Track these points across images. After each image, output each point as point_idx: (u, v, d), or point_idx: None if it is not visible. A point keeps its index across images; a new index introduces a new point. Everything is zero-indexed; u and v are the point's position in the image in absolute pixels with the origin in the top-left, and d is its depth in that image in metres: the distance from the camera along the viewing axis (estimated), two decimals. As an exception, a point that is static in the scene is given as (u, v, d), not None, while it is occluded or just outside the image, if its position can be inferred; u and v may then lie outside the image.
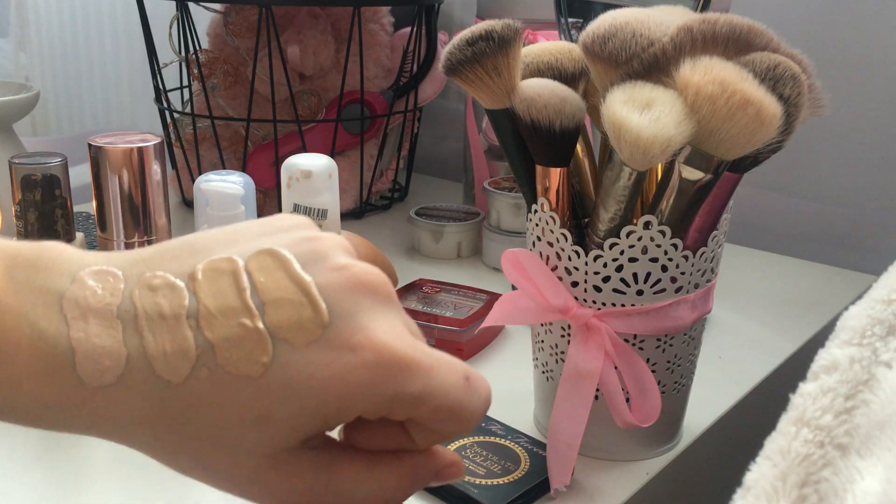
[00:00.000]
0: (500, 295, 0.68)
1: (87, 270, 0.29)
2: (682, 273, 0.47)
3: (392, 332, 0.30)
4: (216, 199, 0.55)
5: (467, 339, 0.63)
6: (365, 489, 0.31)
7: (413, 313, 0.65)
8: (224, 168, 0.88)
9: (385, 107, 0.93)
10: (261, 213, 0.74)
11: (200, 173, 0.92)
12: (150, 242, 0.54)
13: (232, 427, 0.29)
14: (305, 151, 0.89)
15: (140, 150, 0.54)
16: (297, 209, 0.54)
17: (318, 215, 0.55)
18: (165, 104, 0.93)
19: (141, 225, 0.55)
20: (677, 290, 0.48)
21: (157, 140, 0.55)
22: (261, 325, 0.29)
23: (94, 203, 0.55)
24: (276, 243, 0.31)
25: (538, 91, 0.46)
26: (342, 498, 0.31)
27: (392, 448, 0.32)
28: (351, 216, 0.94)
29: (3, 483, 0.48)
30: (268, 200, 0.93)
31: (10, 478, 0.49)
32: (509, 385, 0.60)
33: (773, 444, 0.26)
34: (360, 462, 0.32)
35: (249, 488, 0.31)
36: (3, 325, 0.28)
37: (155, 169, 0.55)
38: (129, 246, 0.56)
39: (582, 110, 0.46)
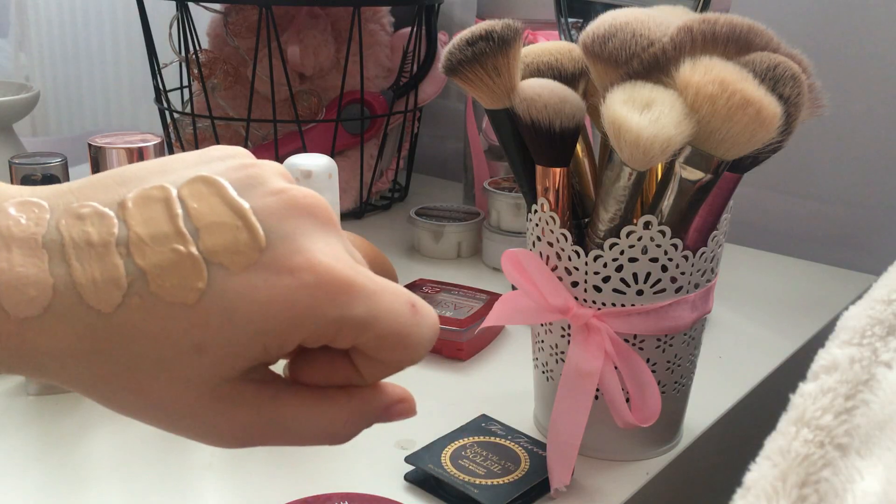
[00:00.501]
0: (500, 295, 0.68)
1: (10, 201, 0.29)
2: (682, 273, 0.47)
3: (332, 253, 0.29)
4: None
5: (467, 339, 0.63)
6: (311, 424, 0.31)
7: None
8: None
9: (385, 107, 0.93)
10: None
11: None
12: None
13: (168, 357, 0.28)
14: (305, 151, 0.89)
15: (140, 150, 0.54)
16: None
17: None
18: (165, 104, 0.93)
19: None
20: (677, 290, 0.48)
21: (157, 140, 0.55)
22: (194, 250, 0.28)
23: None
24: (213, 172, 0.30)
25: (538, 91, 0.46)
26: (287, 432, 0.31)
27: (338, 383, 0.31)
28: (351, 216, 0.94)
29: (2, 483, 0.48)
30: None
31: (10, 476, 0.49)
32: (509, 385, 0.60)
33: (773, 443, 0.26)
34: (305, 396, 0.31)
35: (189, 423, 0.30)
36: None
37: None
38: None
39: (582, 110, 0.46)
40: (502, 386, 0.60)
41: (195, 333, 0.28)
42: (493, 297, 0.68)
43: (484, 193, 0.83)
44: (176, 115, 0.93)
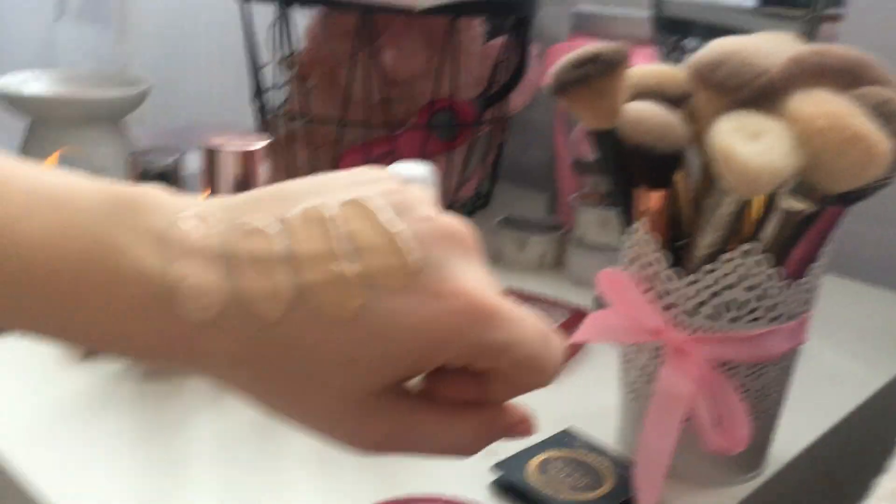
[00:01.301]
0: (583, 310, 0.69)
1: (184, 213, 0.31)
2: (779, 302, 0.47)
3: (478, 281, 0.32)
4: None
5: (551, 353, 0.64)
6: (443, 438, 0.33)
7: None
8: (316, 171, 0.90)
9: (475, 115, 0.95)
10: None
11: (295, 173, 0.94)
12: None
13: (322, 368, 0.31)
14: (397, 156, 0.91)
15: (252, 153, 0.56)
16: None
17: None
18: (263, 103, 0.96)
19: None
20: (773, 319, 0.48)
21: (266, 142, 0.57)
22: (352, 270, 0.30)
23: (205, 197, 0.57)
24: (364, 193, 0.32)
25: (643, 114, 0.47)
26: (420, 444, 0.33)
27: (469, 399, 0.34)
28: (435, 221, 0.96)
29: (107, 463, 0.51)
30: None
31: (116, 457, 0.51)
32: (592, 400, 0.60)
33: (887, 486, 0.26)
34: (439, 411, 0.33)
35: (336, 429, 0.33)
36: (107, 262, 0.30)
37: (263, 169, 0.57)
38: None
39: (685, 135, 0.47)
40: (585, 401, 0.61)
41: (349, 348, 0.31)
42: (576, 312, 0.69)
43: (570, 206, 0.83)
44: (272, 115, 0.96)
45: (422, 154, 0.92)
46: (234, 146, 0.56)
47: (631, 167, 0.49)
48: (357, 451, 0.33)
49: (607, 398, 0.58)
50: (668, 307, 0.48)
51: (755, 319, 0.47)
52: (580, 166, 0.89)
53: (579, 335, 0.52)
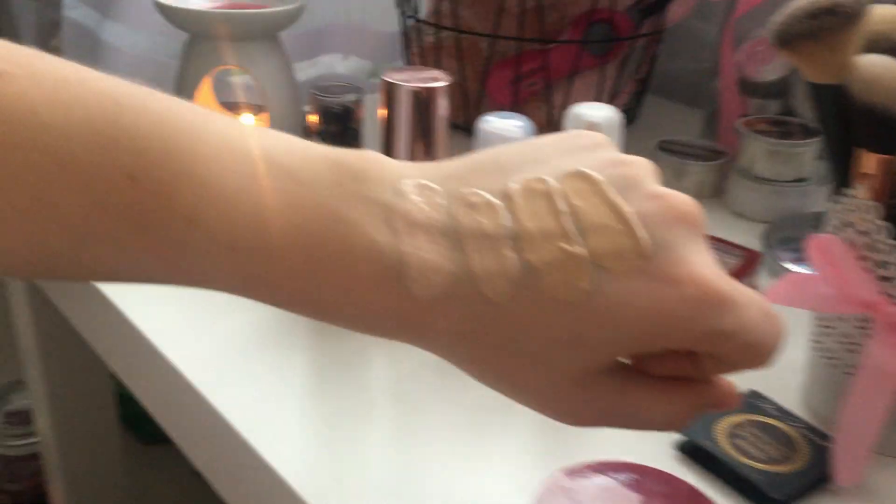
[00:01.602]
0: (756, 253, 0.66)
1: (407, 183, 0.31)
2: None
3: (710, 266, 0.30)
4: (497, 141, 0.55)
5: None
6: (654, 413, 0.33)
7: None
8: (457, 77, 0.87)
9: (631, 27, 0.90)
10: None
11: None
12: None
13: (548, 348, 0.30)
14: (548, 71, 0.87)
15: (433, 90, 0.54)
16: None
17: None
18: (410, 11, 0.93)
19: (425, 156, 0.56)
20: None
21: (448, 81, 0.55)
22: (582, 250, 0.29)
23: (383, 133, 0.56)
24: (585, 164, 0.31)
25: (880, 72, 0.43)
26: (632, 418, 0.33)
27: (679, 376, 0.33)
28: (582, 139, 0.93)
29: (286, 401, 0.52)
30: (502, 117, 0.92)
31: (293, 397, 0.53)
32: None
33: None
34: (650, 387, 0.33)
35: (551, 405, 0.32)
36: (338, 233, 0.29)
37: (443, 105, 0.55)
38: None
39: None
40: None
41: (574, 329, 0.30)
42: (749, 255, 0.66)
43: (736, 134, 0.79)
44: (416, 22, 0.93)
45: (573, 70, 0.88)
46: (415, 82, 0.54)
47: (856, 127, 0.45)
48: (569, 423, 0.33)
49: (790, 358, 0.56)
50: (884, 278, 0.45)
51: (984, 297, 0.44)
52: (747, 87, 0.84)
53: (777, 298, 0.50)
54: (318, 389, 0.53)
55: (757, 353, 0.32)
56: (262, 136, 0.31)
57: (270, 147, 0.31)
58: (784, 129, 0.77)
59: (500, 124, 0.55)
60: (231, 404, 0.51)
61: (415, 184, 0.31)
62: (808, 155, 0.75)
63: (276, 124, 0.75)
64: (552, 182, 0.31)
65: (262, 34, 0.74)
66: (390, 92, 0.54)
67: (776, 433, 0.49)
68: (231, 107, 0.76)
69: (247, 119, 0.76)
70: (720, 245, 0.68)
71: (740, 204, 0.78)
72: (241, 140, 0.30)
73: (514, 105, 0.89)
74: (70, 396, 0.98)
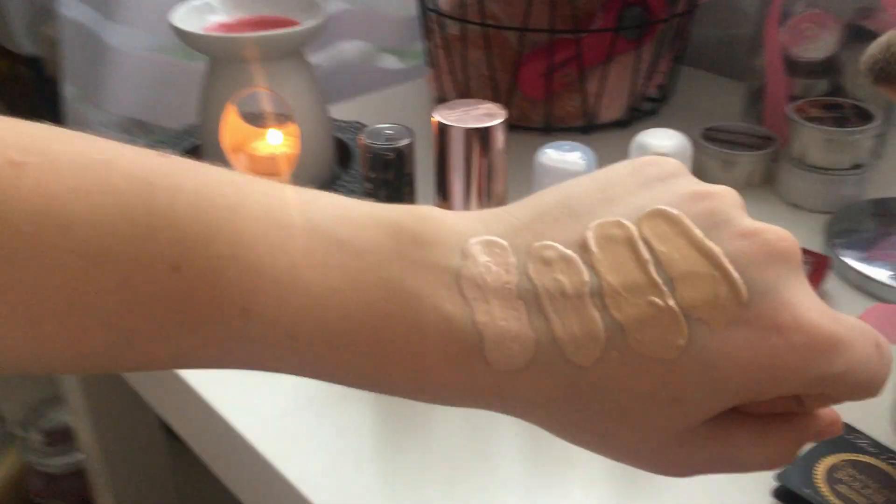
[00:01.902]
0: (825, 257, 0.63)
1: (473, 243, 0.28)
2: None
3: (815, 307, 0.28)
4: (559, 176, 0.52)
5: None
6: (756, 456, 0.31)
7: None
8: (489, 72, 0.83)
9: (665, 7, 0.86)
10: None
11: (466, 78, 0.88)
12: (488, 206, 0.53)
13: (641, 407, 0.28)
14: (581, 60, 0.83)
15: (489, 129, 0.51)
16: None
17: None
18: (431, 4, 0.88)
19: (482, 194, 0.53)
20: None
21: (503, 117, 0.52)
22: (673, 303, 0.27)
23: (438, 176, 0.53)
24: (663, 201, 0.28)
25: None
26: (734, 464, 0.31)
27: (780, 411, 0.31)
28: (617, 126, 0.89)
29: (345, 455, 0.50)
30: (534, 109, 0.89)
31: (354, 449, 0.51)
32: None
33: None
34: (751, 429, 0.31)
35: (649, 460, 0.30)
36: (406, 308, 0.27)
37: (500, 140, 0.52)
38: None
39: None
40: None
41: (671, 388, 0.28)
42: (819, 260, 0.64)
43: (784, 118, 0.76)
44: (439, 15, 0.89)
45: (608, 56, 0.84)
46: (471, 121, 0.51)
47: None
48: (667, 475, 0.31)
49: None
50: None
51: None
52: (792, 65, 0.81)
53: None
54: (382, 448, 0.51)
55: (865, 389, 0.30)
56: (307, 202, 0.28)
57: (318, 215, 0.28)
58: (837, 113, 0.74)
59: (560, 157, 0.52)
60: (290, 461, 0.49)
61: (482, 242, 0.28)
62: (865, 141, 0.72)
63: (307, 140, 0.72)
64: (630, 227, 0.28)
65: (289, 52, 0.71)
66: (444, 133, 0.51)
67: (876, 473, 0.47)
68: (256, 119, 0.73)
69: (274, 137, 0.73)
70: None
71: (794, 194, 0.75)
72: (285, 210, 0.27)
73: (547, 97, 0.86)
74: (111, 408, 0.97)
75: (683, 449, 0.30)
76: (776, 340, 0.27)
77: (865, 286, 0.64)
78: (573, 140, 0.54)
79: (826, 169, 0.73)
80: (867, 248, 0.67)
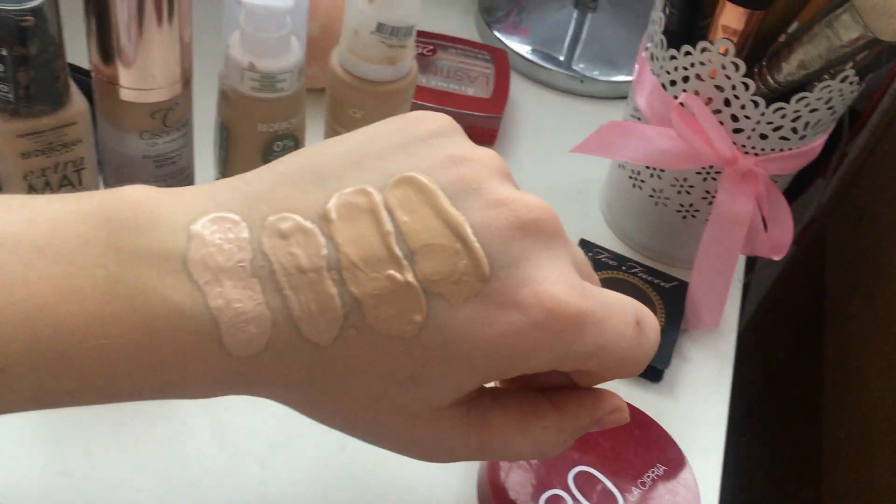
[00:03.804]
0: (501, 50, 0.60)
1: (201, 221, 0.25)
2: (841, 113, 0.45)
3: (562, 280, 0.26)
4: (258, 15, 0.41)
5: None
6: (520, 445, 0.29)
7: (433, 96, 0.56)
8: None
9: None
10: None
11: None
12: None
13: (382, 387, 0.27)
14: None
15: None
16: (381, 29, 0.42)
17: (405, 34, 0.43)
18: None
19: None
20: (828, 128, 0.46)
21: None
22: (412, 278, 0.25)
23: (92, 31, 0.38)
24: (416, 166, 0.26)
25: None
26: (496, 453, 0.30)
27: (552, 386, 0.30)
28: None
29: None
30: None
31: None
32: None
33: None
34: (515, 418, 0.29)
35: (397, 444, 0.29)
36: (130, 304, 0.24)
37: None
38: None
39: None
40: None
41: (410, 366, 0.26)
42: (497, 55, 0.60)
43: None
44: None
45: None
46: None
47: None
48: (425, 460, 0.30)
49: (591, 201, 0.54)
50: (737, 131, 0.44)
51: (822, 130, 0.45)
52: None
53: (597, 149, 0.47)
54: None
55: (624, 366, 0.29)
56: None
57: (4, 221, 0.24)
58: None
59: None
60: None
61: (210, 219, 0.25)
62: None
63: None
64: (374, 194, 0.26)
65: None
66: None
67: (626, 288, 0.49)
68: None
69: None
70: (468, 50, 0.60)
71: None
72: None
73: None
74: None
75: (429, 432, 0.28)
76: (515, 317, 0.26)
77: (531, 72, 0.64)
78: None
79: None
80: (512, 20, 0.66)
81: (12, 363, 0.23)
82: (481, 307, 0.25)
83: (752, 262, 1.22)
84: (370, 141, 0.27)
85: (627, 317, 0.28)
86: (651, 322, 0.29)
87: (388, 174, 0.26)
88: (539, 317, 0.26)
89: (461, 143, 0.28)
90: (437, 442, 0.29)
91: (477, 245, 0.25)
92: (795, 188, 1.21)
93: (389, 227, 0.25)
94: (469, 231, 0.26)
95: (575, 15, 0.68)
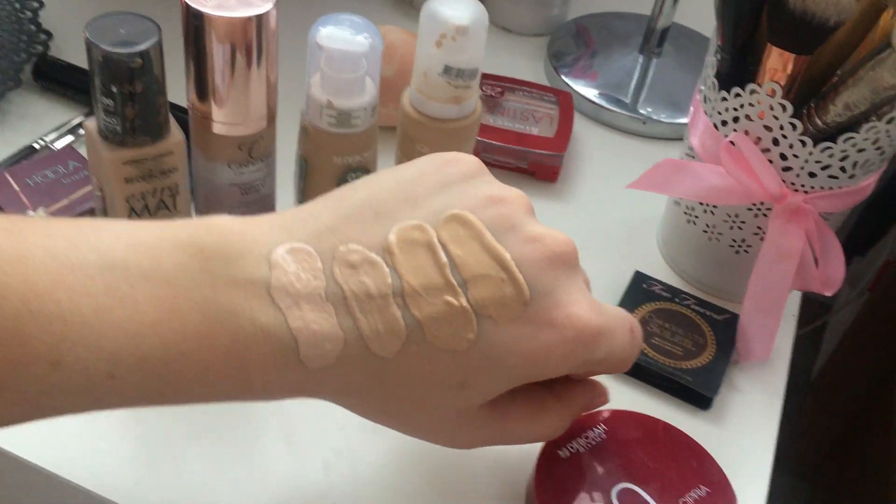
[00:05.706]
0: (567, 94, 0.63)
1: (279, 251, 0.30)
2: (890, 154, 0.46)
3: (584, 302, 0.32)
4: (337, 59, 0.44)
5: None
6: (531, 432, 0.36)
7: (500, 135, 0.59)
8: None
9: None
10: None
11: None
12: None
13: (434, 392, 0.32)
14: None
15: (262, 17, 0.41)
16: (448, 71, 0.45)
17: (469, 76, 0.46)
18: None
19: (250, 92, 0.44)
20: (878, 168, 0.47)
21: (271, 4, 0.42)
22: (465, 302, 0.31)
23: (194, 76, 0.43)
24: (461, 205, 0.32)
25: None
26: (513, 438, 0.36)
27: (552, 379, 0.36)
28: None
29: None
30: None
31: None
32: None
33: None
34: (527, 410, 0.36)
35: (437, 436, 0.35)
36: (222, 326, 0.29)
37: (272, 28, 0.43)
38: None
39: (853, 4, 0.41)
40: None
41: (460, 374, 0.32)
42: (563, 98, 0.63)
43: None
44: None
45: None
46: (233, 12, 0.40)
47: (772, 24, 0.42)
48: (452, 447, 0.36)
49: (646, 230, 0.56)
50: (786, 169, 0.46)
51: (871, 170, 0.47)
52: None
53: (652, 185, 0.49)
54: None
55: (621, 366, 0.36)
56: (92, 235, 0.28)
57: (110, 247, 0.28)
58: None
59: (340, 35, 0.44)
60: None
61: (287, 250, 0.30)
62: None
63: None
64: (430, 230, 0.31)
65: None
66: (198, 26, 0.40)
67: (679, 319, 0.50)
68: None
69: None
70: (535, 92, 0.64)
71: (504, 17, 0.73)
72: (74, 251, 0.27)
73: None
74: None
75: (467, 426, 0.34)
76: (550, 335, 0.32)
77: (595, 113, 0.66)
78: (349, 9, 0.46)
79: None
80: (581, 67, 0.69)
81: (123, 371, 0.27)
82: (522, 327, 0.31)
83: (827, 304, 1.21)
84: (415, 181, 0.33)
85: (626, 326, 0.35)
86: (639, 329, 0.36)
87: (435, 211, 0.32)
88: (570, 334, 0.32)
89: (493, 184, 0.33)
90: (469, 431, 0.34)
91: (520, 276, 0.31)
92: (874, 232, 1.19)
93: (444, 258, 0.31)
94: (512, 263, 0.31)
95: (640, 60, 0.70)
